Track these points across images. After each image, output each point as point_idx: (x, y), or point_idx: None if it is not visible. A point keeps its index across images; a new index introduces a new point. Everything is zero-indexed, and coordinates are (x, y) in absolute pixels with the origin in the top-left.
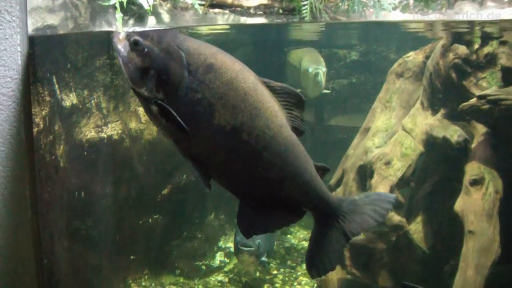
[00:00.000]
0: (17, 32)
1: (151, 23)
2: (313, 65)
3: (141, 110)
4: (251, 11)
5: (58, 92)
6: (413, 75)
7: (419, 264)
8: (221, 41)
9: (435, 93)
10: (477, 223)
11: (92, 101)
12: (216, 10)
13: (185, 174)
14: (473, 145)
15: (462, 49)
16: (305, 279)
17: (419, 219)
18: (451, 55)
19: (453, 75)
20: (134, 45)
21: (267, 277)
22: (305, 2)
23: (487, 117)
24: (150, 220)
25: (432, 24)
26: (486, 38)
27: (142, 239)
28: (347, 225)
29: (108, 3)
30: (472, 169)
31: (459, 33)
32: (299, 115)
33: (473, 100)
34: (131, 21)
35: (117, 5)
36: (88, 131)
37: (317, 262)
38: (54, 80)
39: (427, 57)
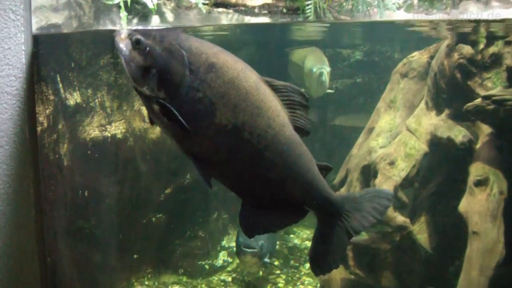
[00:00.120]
0: (21, 31)
1: (155, 22)
2: (318, 65)
3: (145, 109)
4: (255, 10)
5: (62, 91)
6: (417, 75)
7: (422, 265)
8: (224, 40)
9: (439, 93)
10: (482, 224)
11: (96, 100)
12: (220, 9)
13: (188, 173)
14: (477, 146)
15: (467, 49)
16: (308, 279)
17: (423, 219)
18: (456, 55)
19: (458, 75)
20: (136, 44)
21: (270, 276)
22: (309, 2)
23: (492, 117)
24: (153, 219)
25: (436, 24)
26: (491, 38)
27: (146, 238)
28: (349, 223)
29: (112, 2)
30: (477, 169)
31: (464, 33)
32: (303, 114)
33: (478, 101)
34: (135, 20)
35: (121, 4)
36: (92, 130)
37: (320, 260)
38: (58, 79)
39: (432, 57)
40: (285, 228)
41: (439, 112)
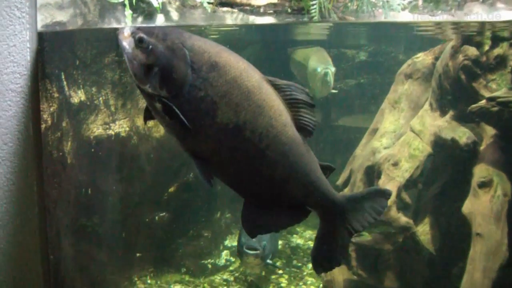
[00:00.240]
0: (26, 29)
1: (160, 21)
2: (322, 65)
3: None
4: (261, 10)
5: (66, 88)
6: (422, 76)
7: (426, 266)
8: (229, 39)
9: (444, 95)
10: (485, 225)
11: (100, 98)
12: (225, 8)
13: (192, 172)
14: (482, 147)
15: (472, 51)
16: (310, 279)
17: (426, 220)
18: (460, 57)
19: (463, 76)
20: (139, 42)
21: (273, 276)
22: (314, 2)
23: (496, 119)
24: (156, 218)
25: (441, 25)
26: (496, 40)
27: (148, 236)
28: (350, 223)
29: (117, 0)
30: (481, 171)
31: (469, 35)
32: (307, 113)
33: (483, 102)
34: (140, 19)
35: (126, 3)
36: (96, 128)
37: (322, 260)
38: (63, 77)
39: (437, 58)
40: (287, 228)
41: (443, 113)
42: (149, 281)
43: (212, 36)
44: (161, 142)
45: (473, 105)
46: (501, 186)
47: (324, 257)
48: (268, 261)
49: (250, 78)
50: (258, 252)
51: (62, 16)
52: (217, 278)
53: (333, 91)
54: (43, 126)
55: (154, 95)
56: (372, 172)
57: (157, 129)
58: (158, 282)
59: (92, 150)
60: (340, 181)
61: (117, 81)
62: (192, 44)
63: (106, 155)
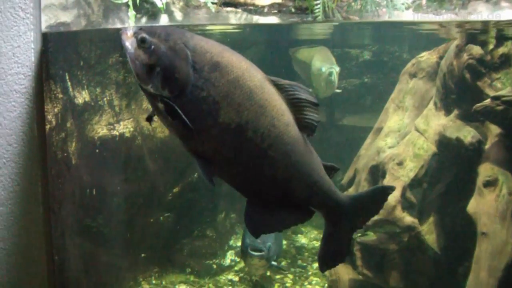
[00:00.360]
0: (30, 29)
1: (163, 21)
2: (327, 64)
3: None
4: (265, 10)
5: (70, 89)
6: (426, 75)
7: (431, 265)
8: (233, 39)
9: (448, 94)
10: (490, 224)
11: (105, 99)
12: (229, 8)
13: (196, 172)
14: (486, 146)
15: (476, 50)
16: (315, 279)
17: (431, 220)
18: (465, 56)
19: (467, 75)
20: (141, 42)
21: (277, 276)
22: (317, 2)
23: (501, 118)
24: (161, 218)
25: (446, 24)
26: (501, 39)
27: (153, 237)
28: (355, 223)
29: (121, 1)
30: (486, 170)
31: (474, 34)
32: (311, 112)
33: (487, 101)
34: (143, 19)
35: (130, 3)
36: (100, 129)
37: (328, 260)
38: (67, 77)
39: (441, 58)
40: (290, 227)
41: (448, 112)
42: (154, 282)
43: (216, 36)
44: (165, 142)
45: (478, 104)
46: (506, 185)
47: (330, 258)
48: (273, 262)
49: (252, 78)
50: (263, 253)
51: (66, 17)
52: (222, 278)
53: (337, 90)
54: (47, 127)
55: (156, 95)
56: (377, 172)
57: (162, 129)
58: (163, 283)
59: (97, 150)
60: (344, 181)
61: (122, 82)
62: (195, 44)
63: (111, 155)
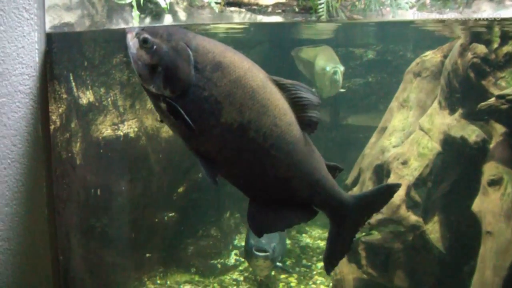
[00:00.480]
0: (34, 30)
1: (167, 21)
2: (331, 64)
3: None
4: (268, 9)
5: (75, 89)
6: (430, 74)
7: (436, 264)
8: (238, 38)
9: (453, 93)
10: (495, 223)
11: (109, 99)
12: (233, 8)
13: (201, 172)
14: (491, 145)
15: (481, 48)
16: (320, 278)
17: (436, 219)
18: (469, 55)
19: (472, 74)
20: (143, 43)
21: (282, 276)
22: (321, 1)
23: (506, 117)
24: (165, 218)
25: (450, 23)
26: (505, 38)
27: (158, 237)
28: (360, 222)
29: (124, 1)
30: (490, 169)
31: (478, 32)
32: (313, 111)
33: (492, 100)
34: (147, 19)
35: (134, 4)
36: (105, 129)
37: (334, 260)
38: (71, 78)
39: (445, 57)
40: (293, 227)
41: (452, 111)
42: (158, 281)
43: (219, 36)
44: (170, 142)
45: (482, 103)
46: (511, 184)
47: (335, 258)
48: (278, 263)
49: (254, 77)
50: (268, 254)
51: (70, 17)
52: (227, 278)
53: (341, 90)
54: (52, 127)
55: (158, 95)
56: (381, 171)
57: (166, 129)
58: (168, 282)
59: (101, 151)
60: (349, 180)
61: (126, 82)
62: (197, 44)
63: (115, 155)
